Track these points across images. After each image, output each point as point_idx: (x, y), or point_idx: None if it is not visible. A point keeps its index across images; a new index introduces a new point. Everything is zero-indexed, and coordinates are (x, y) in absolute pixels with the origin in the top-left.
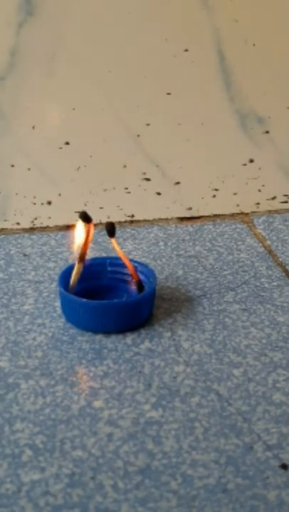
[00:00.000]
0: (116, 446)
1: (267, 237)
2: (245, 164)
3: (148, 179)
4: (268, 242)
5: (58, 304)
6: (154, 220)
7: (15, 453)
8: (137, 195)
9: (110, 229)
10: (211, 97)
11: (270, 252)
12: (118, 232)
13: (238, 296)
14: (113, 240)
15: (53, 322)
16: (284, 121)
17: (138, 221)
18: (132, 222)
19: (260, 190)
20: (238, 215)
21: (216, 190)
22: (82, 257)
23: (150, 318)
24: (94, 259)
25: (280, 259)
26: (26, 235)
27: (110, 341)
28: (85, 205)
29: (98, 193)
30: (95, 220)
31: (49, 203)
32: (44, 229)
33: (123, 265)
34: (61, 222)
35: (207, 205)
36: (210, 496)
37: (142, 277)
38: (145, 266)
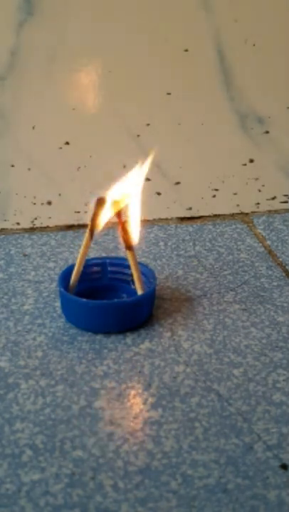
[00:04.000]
0: (116, 446)
1: (267, 237)
2: (245, 164)
3: (148, 179)
4: (268, 242)
5: (58, 303)
6: (154, 220)
7: (15, 453)
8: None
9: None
10: (211, 97)
11: (270, 252)
12: (118, 232)
13: (238, 296)
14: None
15: (53, 322)
16: (284, 121)
17: None
18: None
19: (260, 190)
20: (238, 215)
21: (216, 190)
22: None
23: (150, 318)
24: (94, 259)
25: (280, 259)
26: (26, 235)
27: (110, 341)
28: (85, 205)
29: (98, 193)
30: None
31: (49, 203)
32: (44, 229)
33: (123, 265)
34: (61, 222)
35: (207, 205)
36: (210, 496)
37: (143, 278)
38: (145, 266)
